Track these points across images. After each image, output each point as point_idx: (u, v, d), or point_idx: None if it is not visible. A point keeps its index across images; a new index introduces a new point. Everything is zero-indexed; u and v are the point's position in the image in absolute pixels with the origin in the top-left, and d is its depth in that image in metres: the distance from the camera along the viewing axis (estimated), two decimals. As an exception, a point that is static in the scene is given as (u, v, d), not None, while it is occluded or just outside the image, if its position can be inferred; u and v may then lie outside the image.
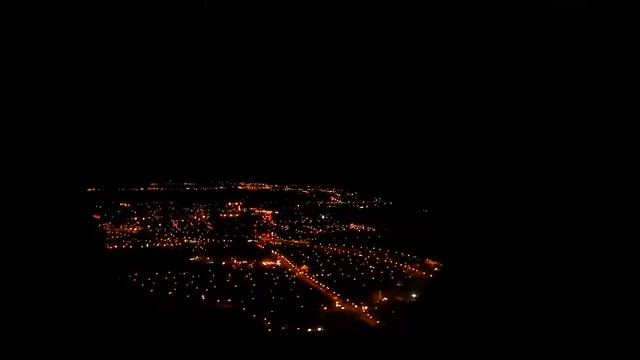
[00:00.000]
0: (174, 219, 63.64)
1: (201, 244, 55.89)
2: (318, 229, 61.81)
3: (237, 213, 68.28)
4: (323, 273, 47.25)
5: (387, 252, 53.26)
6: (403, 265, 49.23)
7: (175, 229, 60.24)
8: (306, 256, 52.63)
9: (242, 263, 50.15)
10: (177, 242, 56.39)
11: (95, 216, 60.53)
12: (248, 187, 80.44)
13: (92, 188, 67.32)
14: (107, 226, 58.87)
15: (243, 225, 62.77)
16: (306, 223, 63.90)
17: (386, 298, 41.18)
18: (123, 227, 59.07)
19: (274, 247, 55.58)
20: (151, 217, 63.28)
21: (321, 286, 44.05)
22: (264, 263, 50.44)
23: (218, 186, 79.58)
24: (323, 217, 66.05)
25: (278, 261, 51.26)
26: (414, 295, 41.74)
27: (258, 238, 58.63)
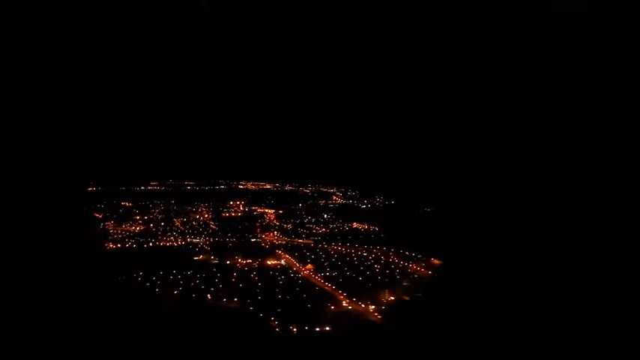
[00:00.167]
0: (177, 218, 63.50)
1: (204, 244, 55.65)
2: (321, 228, 61.91)
3: (239, 212, 68.28)
4: (328, 272, 47.14)
5: (391, 251, 53.31)
6: (408, 265, 49.25)
7: (178, 228, 60.08)
8: (310, 255, 52.51)
9: (247, 262, 49.98)
10: (181, 241, 56.12)
11: (97, 215, 60.25)
12: (249, 186, 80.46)
13: (93, 187, 66.96)
14: (110, 225, 58.66)
15: (246, 224, 62.71)
16: (309, 222, 63.98)
17: (393, 298, 41.12)
18: (126, 226, 58.85)
19: (278, 247, 55.45)
20: (154, 216, 63.09)
21: (327, 286, 43.91)
22: (269, 262, 50.28)
23: (219, 185, 79.57)
24: (325, 216, 66.13)
25: (283, 260, 51.09)
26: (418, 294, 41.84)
27: (261, 237, 58.52)
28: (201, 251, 53.13)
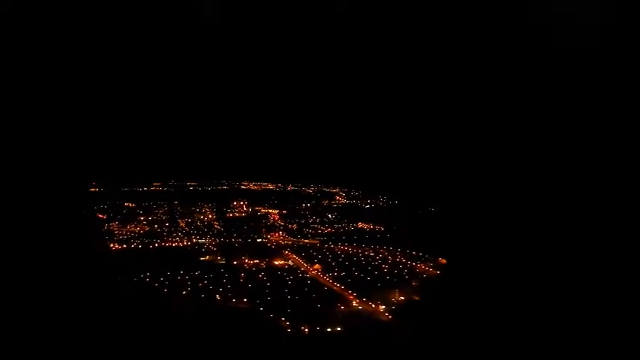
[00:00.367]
0: (181, 219, 63.18)
1: (210, 244, 55.43)
2: (326, 228, 61.84)
3: (243, 212, 68.05)
4: (336, 272, 47.07)
5: (398, 251, 53.33)
6: (416, 264, 49.27)
7: (183, 229, 59.80)
8: (317, 255, 52.42)
9: (254, 263, 49.83)
10: (187, 242, 55.88)
11: (101, 216, 59.88)
12: (252, 186, 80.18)
13: (96, 188, 66.47)
14: (114, 226, 58.30)
15: (251, 224, 62.51)
16: (314, 222, 63.89)
17: (403, 297, 41.13)
18: (130, 227, 58.51)
19: (284, 247, 55.30)
20: (158, 217, 62.75)
21: (336, 286, 43.85)
22: (276, 263, 50.15)
23: (221, 186, 79.27)
24: (330, 216, 66.05)
25: (290, 260, 50.97)
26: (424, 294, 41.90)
27: (267, 238, 58.36)
28: (208, 252, 52.97)
